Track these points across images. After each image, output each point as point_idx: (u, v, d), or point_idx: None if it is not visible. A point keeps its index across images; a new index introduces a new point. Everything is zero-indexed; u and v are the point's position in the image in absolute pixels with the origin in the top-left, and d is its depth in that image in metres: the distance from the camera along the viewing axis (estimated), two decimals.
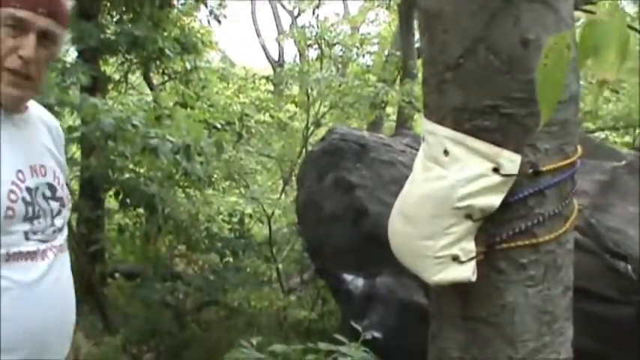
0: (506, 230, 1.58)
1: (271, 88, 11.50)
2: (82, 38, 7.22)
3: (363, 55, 12.64)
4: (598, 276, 3.43)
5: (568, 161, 1.61)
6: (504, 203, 1.55)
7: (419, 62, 9.89)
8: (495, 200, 1.54)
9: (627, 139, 12.32)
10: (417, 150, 4.99)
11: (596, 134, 11.65)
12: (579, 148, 1.67)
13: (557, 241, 1.62)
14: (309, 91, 8.28)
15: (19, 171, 1.72)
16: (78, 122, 6.24)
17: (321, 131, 8.07)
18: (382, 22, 16.02)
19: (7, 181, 1.68)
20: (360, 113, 8.86)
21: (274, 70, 15.09)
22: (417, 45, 10.00)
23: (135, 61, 8.77)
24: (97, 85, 7.26)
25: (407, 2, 9.81)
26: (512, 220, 1.58)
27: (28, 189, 1.74)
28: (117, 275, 7.44)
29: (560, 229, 1.62)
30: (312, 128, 8.48)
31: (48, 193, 1.80)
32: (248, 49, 37.75)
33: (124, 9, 8.60)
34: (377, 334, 3.77)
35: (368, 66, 12.28)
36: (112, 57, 8.68)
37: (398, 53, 10.29)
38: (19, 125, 1.78)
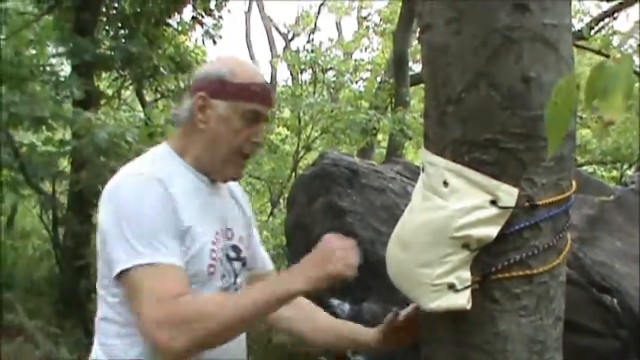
0: (501, 261, 1.61)
1: None
2: (77, 53, 7.24)
3: (356, 82, 12.74)
4: (584, 309, 3.47)
5: (563, 196, 1.65)
6: (500, 234, 1.59)
7: (411, 90, 9.99)
8: (492, 231, 1.57)
9: (615, 173, 12.45)
10: (408, 178, 5.03)
11: (584, 168, 11.77)
12: (574, 183, 1.71)
13: (551, 273, 1.66)
14: (301, 114, 8.32)
15: (217, 233, 1.93)
16: (68, 136, 6.27)
17: (312, 155, 8.10)
18: (375, 49, 16.17)
19: (209, 241, 1.88)
20: (351, 139, 8.90)
21: None
22: (410, 73, 10.10)
23: (129, 77, 8.79)
24: (90, 100, 7.28)
25: (401, 30, 9.90)
26: (507, 251, 1.61)
27: (221, 249, 1.93)
28: None
29: (553, 261, 1.66)
30: (302, 152, 8.52)
31: (232, 254, 1.98)
32: None
33: (119, 25, 8.64)
34: None
35: (360, 92, 12.36)
36: (106, 72, 8.70)
37: (391, 80, 10.36)
38: (216, 193, 2.00)
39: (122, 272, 1.74)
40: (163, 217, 1.77)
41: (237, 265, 1.98)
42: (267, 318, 1.99)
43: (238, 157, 1.95)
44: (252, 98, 1.91)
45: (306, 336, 2.18)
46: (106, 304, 1.88)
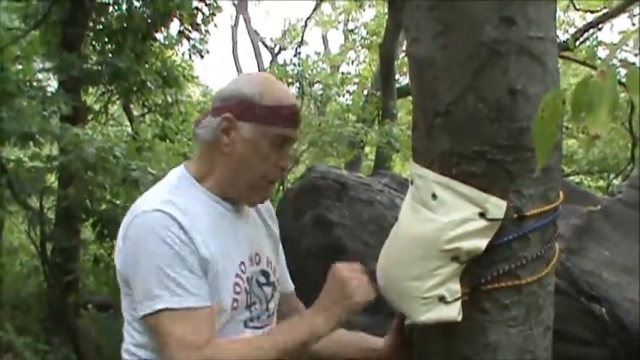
0: (490, 272, 1.62)
1: None
2: (64, 68, 7.25)
3: (343, 95, 12.76)
4: (573, 318, 3.48)
5: (551, 206, 1.67)
6: (489, 246, 1.60)
7: (398, 103, 10.02)
8: (481, 243, 1.58)
9: (601, 183, 12.52)
10: (396, 190, 5.03)
11: (571, 178, 11.82)
12: (561, 194, 1.73)
13: (539, 283, 1.67)
14: None
15: (242, 263, 1.85)
16: (56, 151, 6.25)
17: (299, 169, 8.10)
18: (362, 62, 16.20)
19: (232, 273, 1.81)
20: (339, 152, 8.93)
21: None
22: (396, 86, 10.13)
23: (116, 92, 8.80)
24: (77, 115, 7.27)
25: (388, 43, 9.94)
26: (496, 262, 1.63)
27: (248, 279, 1.85)
28: (89, 306, 7.38)
29: (542, 271, 1.67)
30: (290, 165, 8.52)
31: (262, 280, 1.91)
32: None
33: (106, 40, 8.65)
34: None
35: (347, 105, 12.38)
36: (94, 87, 8.70)
37: (378, 93, 10.39)
38: (240, 217, 1.90)
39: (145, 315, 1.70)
40: (182, 256, 1.68)
41: (268, 289, 1.92)
42: None
43: (264, 182, 1.85)
44: (281, 122, 1.81)
45: (317, 349, 2.03)
46: (130, 337, 1.84)
